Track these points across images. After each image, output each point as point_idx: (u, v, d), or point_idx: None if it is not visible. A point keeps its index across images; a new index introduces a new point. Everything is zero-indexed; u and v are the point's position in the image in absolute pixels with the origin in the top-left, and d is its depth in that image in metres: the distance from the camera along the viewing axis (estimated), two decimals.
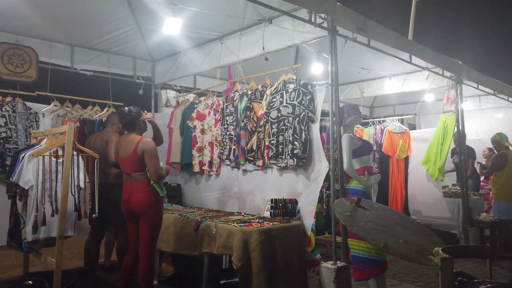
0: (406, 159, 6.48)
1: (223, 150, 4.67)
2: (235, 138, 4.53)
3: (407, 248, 2.07)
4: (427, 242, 2.20)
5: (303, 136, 3.80)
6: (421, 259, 1.99)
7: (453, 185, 6.60)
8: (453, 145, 5.80)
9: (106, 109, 5.35)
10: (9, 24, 4.75)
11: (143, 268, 3.36)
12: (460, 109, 5.78)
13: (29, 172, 3.18)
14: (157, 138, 3.67)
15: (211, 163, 4.83)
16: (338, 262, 3.39)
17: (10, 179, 3.31)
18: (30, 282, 3.16)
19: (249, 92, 4.49)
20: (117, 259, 4.23)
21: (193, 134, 5.01)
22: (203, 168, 4.89)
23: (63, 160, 3.24)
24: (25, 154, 3.27)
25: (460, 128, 5.66)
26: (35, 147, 3.38)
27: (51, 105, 4.98)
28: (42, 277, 3.37)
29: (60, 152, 3.35)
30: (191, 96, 5.64)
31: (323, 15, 3.71)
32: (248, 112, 4.40)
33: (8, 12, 4.51)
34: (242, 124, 4.44)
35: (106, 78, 5.69)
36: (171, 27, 4.24)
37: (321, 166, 3.72)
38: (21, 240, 3.28)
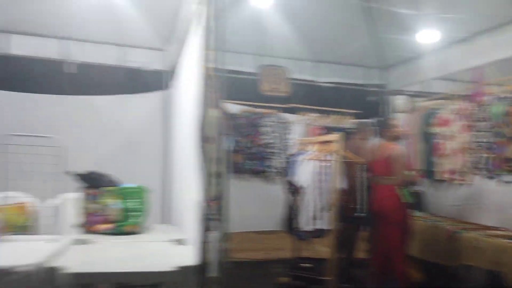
0: None
1: (475, 158, 4.37)
2: (490, 146, 4.18)
3: None
4: None
5: None
6: None
7: None
8: None
9: (343, 117, 5.87)
10: (270, 50, 5.77)
11: (397, 272, 3.54)
12: None
13: (303, 173, 3.83)
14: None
15: (458, 172, 4.59)
16: None
17: (288, 178, 4.08)
18: (310, 264, 3.80)
19: (509, 96, 4.06)
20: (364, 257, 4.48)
21: (435, 140, 4.88)
22: (448, 176, 4.70)
23: (330, 164, 3.75)
24: (300, 158, 3.96)
25: None
26: (307, 152, 4.03)
27: (299, 115, 5.79)
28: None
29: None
30: (427, 102, 5.49)
31: None
32: (508, 118, 3.98)
33: (273, 41, 5.49)
34: (500, 130, 4.06)
35: (343, 88, 6.18)
36: (427, 39, 4.29)
37: None
38: (293, 228, 3.97)
